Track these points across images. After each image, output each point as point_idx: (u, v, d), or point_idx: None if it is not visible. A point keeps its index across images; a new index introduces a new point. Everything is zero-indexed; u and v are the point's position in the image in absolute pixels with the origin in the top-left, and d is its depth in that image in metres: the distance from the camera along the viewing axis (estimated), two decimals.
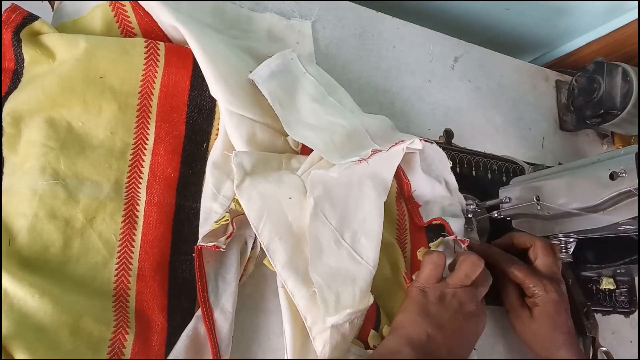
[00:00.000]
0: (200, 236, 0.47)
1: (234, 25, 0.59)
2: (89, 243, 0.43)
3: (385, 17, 0.71)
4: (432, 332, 0.48)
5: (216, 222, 0.47)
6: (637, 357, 0.71)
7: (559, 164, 0.77)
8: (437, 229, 0.61)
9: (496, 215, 0.62)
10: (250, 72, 0.52)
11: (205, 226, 0.48)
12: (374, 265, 0.50)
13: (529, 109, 0.80)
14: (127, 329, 0.42)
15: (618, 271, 0.70)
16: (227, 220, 0.47)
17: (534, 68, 0.84)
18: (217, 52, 0.50)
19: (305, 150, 0.55)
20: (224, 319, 0.45)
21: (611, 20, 0.81)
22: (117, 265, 0.44)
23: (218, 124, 0.52)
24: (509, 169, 0.73)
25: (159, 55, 0.50)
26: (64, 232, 0.42)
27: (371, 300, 0.48)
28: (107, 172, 0.46)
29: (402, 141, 0.54)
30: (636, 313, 0.74)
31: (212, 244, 0.45)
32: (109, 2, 0.50)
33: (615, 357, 0.67)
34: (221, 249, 0.45)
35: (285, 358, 0.47)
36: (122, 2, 0.51)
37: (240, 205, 0.48)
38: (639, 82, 0.68)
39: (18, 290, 0.38)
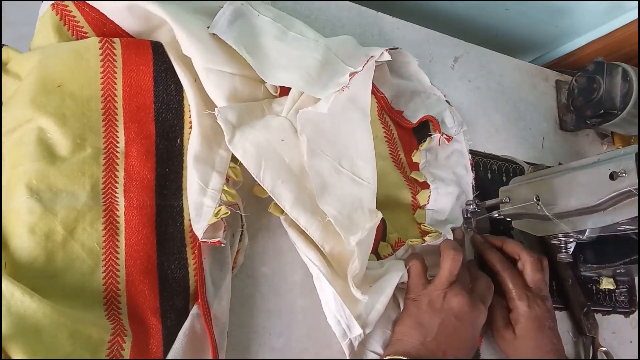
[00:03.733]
0: (200, 232, 0.46)
1: None
2: (73, 254, 0.42)
3: (385, 17, 0.71)
4: (425, 340, 0.49)
5: (215, 215, 0.46)
6: (637, 357, 0.71)
7: (559, 164, 0.77)
8: (424, 130, 0.65)
9: (496, 215, 0.62)
10: (208, 27, 0.51)
11: (200, 222, 0.47)
12: (375, 183, 0.53)
13: (529, 109, 0.80)
14: (124, 337, 0.42)
15: (618, 271, 0.70)
16: (227, 213, 0.46)
17: (534, 68, 0.84)
18: (184, 13, 0.49)
19: (284, 92, 0.55)
20: (221, 314, 0.45)
21: (611, 20, 0.81)
22: (104, 274, 0.43)
23: (189, 117, 0.51)
24: (509, 169, 0.73)
25: (116, 55, 0.49)
26: (45, 246, 0.41)
27: (380, 215, 0.52)
28: (82, 180, 0.44)
29: (372, 57, 0.56)
30: (636, 313, 0.74)
31: (216, 239, 0.46)
32: (51, 7, 0.48)
33: (615, 357, 0.67)
34: (222, 244, 0.46)
35: (318, 279, 0.51)
36: (64, 4, 0.48)
37: (231, 195, 0.48)
38: (639, 82, 0.68)
39: (16, 291, 0.38)
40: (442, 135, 0.63)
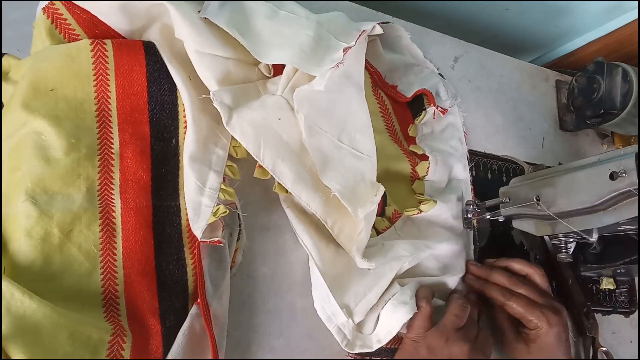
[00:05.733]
0: (199, 232, 0.46)
1: None
2: (70, 257, 0.42)
3: (385, 17, 0.71)
4: None
5: (214, 215, 0.46)
6: (637, 357, 0.71)
7: (559, 164, 0.77)
8: (418, 104, 0.66)
9: (488, 217, 0.62)
10: (199, 11, 0.50)
11: (199, 221, 0.47)
12: (374, 155, 0.54)
13: (529, 109, 0.80)
14: (124, 338, 0.42)
15: (618, 271, 0.70)
16: (225, 212, 0.47)
17: (534, 68, 0.84)
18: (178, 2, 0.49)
19: (277, 72, 0.55)
20: (220, 313, 0.45)
21: (611, 20, 0.81)
22: (102, 276, 0.43)
23: (184, 117, 0.50)
24: (509, 169, 0.73)
25: (107, 56, 0.48)
26: (42, 250, 0.41)
27: (382, 187, 0.52)
28: (77, 183, 0.44)
29: (364, 31, 0.56)
30: (636, 313, 0.74)
31: (216, 239, 0.46)
32: (42, 10, 0.48)
33: (615, 357, 0.67)
34: (221, 244, 0.46)
35: (311, 263, 0.52)
36: (55, 7, 0.48)
37: (229, 194, 0.48)
38: (639, 82, 0.68)
39: (16, 291, 0.38)
40: (437, 108, 0.64)
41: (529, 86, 0.81)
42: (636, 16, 0.77)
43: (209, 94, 0.49)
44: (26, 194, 0.42)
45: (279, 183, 0.51)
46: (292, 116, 0.52)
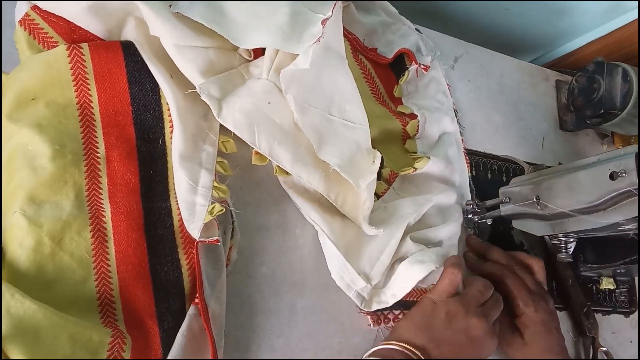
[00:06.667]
0: (196, 232, 0.46)
1: None
2: (63, 265, 0.42)
3: None
4: (428, 345, 0.48)
5: (210, 213, 0.46)
6: (637, 357, 0.71)
7: (559, 164, 0.77)
8: (400, 63, 0.67)
9: (489, 222, 0.62)
10: (170, 6, 0.49)
11: (195, 221, 0.47)
12: (366, 123, 0.54)
13: (529, 109, 0.80)
14: (124, 340, 0.42)
15: (618, 271, 0.70)
16: (222, 210, 0.46)
17: (534, 68, 0.84)
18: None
19: (258, 54, 0.55)
20: (219, 313, 0.45)
21: (611, 20, 0.81)
22: (97, 282, 0.43)
23: (169, 116, 0.50)
24: (509, 169, 0.73)
25: (85, 60, 0.48)
26: (34, 259, 0.41)
27: (379, 154, 0.53)
28: (65, 190, 0.44)
29: None
30: (636, 313, 0.74)
31: (214, 238, 0.45)
32: (19, 24, 0.48)
33: (615, 357, 0.67)
34: (219, 243, 0.46)
35: (322, 237, 0.53)
36: (30, 18, 0.48)
37: (222, 191, 0.48)
38: (639, 82, 0.68)
39: (17, 292, 0.38)
40: (419, 66, 0.65)
41: (529, 86, 0.81)
42: (636, 16, 0.77)
43: (194, 89, 0.48)
44: (16, 205, 0.42)
45: (278, 166, 0.51)
46: (281, 98, 0.51)
